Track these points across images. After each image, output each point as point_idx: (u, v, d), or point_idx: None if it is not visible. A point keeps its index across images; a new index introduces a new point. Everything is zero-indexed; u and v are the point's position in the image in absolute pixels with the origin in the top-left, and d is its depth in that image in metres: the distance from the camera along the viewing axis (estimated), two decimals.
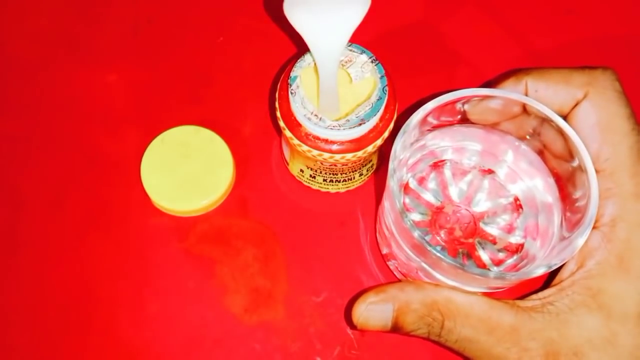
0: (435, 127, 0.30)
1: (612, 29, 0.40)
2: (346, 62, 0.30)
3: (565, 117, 0.29)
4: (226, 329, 0.32)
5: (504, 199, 0.32)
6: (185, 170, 0.34)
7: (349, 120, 0.28)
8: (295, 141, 0.30)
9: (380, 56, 0.30)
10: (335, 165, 0.31)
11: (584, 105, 0.28)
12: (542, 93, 0.29)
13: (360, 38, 0.29)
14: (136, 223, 0.35)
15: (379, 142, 0.30)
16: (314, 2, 0.27)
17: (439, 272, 0.27)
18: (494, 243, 0.31)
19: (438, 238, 0.31)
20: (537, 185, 0.30)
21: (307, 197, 0.35)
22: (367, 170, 0.34)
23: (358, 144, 0.29)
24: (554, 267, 0.25)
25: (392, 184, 0.26)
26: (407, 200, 0.32)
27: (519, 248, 0.30)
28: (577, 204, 0.27)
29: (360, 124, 0.28)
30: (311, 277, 0.34)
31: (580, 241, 0.25)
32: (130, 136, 0.37)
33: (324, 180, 0.33)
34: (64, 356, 0.32)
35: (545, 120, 0.28)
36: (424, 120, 0.28)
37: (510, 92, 0.28)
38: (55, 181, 0.36)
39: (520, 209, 0.31)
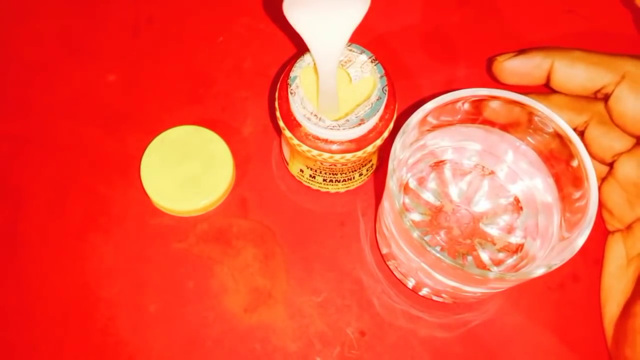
0: (435, 127, 0.30)
1: (613, 29, 0.40)
2: (346, 62, 0.30)
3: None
4: (226, 329, 0.32)
5: (503, 199, 0.32)
6: (185, 170, 0.34)
7: (348, 120, 0.28)
8: (295, 141, 0.30)
9: (380, 56, 0.30)
10: (335, 165, 0.31)
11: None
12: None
13: (360, 38, 0.29)
14: (136, 223, 0.35)
15: (378, 142, 0.30)
16: (313, 2, 0.27)
17: (438, 272, 0.27)
18: (494, 243, 0.31)
19: (438, 238, 0.31)
20: (537, 185, 0.30)
21: (307, 197, 0.35)
22: (367, 170, 0.34)
23: (358, 144, 0.29)
24: (554, 267, 0.25)
25: (392, 184, 0.26)
26: (406, 200, 0.32)
27: (518, 248, 0.30)
28: (577, 204, 0.27)
29: (360, 124, 0.28)
30: (311, 277, 0.34)
31: (580, 241, 0.25)
32: (130, 136, 0.37)
33: (324, 180, 0.33)
34: (64, 356, 0.32)
35: (545, 120, 0.28)
36: (423, 120, 0.28)
37: (510, 93, 0.28)
38: (55, 181, 0.36)
39: (520, 209, 0.31)
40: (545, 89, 0.34)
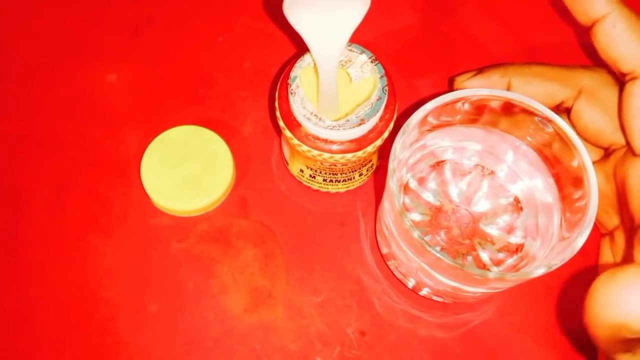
0: (435, 127, 0.30)
1: None
2: (346, 62, 0.30)
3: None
4: (226, 329, 0.32)
5: (503, 199, 0.32)
6: (185, 170, 0.34)
7: (348, 120, 0.28)
8: (295, 141, 0.30)
9: (380, 56, 0.30)
10: (335, 165, 0.31)
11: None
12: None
13: (360, 38, 0.29)
14: (136, 223, 0.35)
15: (378, 142, 0.30)
16: (313, 2, 0.27)
17: (438, 272, 0.27)
18: (494, 243, 0.31)
19: (438, 238, 0.31)
20: (537, 185, 0.30)
21: (307, 197, 0.35)
22: (367, 170, 0.34)
23: (358, 144, 0.29)
24: (554, 267, 0.25)
25: (392, 184, 0.26)
26: (406, 201, 0.32)
27: (518, 248, 0.30)
28: (577, 204, 0.27)
29: (360, 124, 0.28)
30: (311, 277, 0.34)
31: (580, 241, 0.25)
32: (130, 136, 0.37)
33: (324, 180, 0.33)
34: (64, 356, 0.32)
35: (545, 120, 0.28)
36: (423, 120, 0.28)
37: (510, 93, 0.28)
38: (55, 181, 0.36)
39: (520, 209, 0.31)
40: None
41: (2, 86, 0.38)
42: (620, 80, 0.30)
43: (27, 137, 0.37)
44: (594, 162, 0.31)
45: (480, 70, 0.33)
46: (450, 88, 0.35)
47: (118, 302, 0.33)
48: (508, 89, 0.32)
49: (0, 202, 0.35)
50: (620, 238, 0.31)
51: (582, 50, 0.39)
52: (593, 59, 0.36)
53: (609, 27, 0.28)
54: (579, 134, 0.31)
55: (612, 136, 0.30)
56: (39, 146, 0.37)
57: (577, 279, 0.33)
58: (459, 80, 0.34)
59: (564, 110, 0.32)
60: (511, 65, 0.33)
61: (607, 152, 0.31)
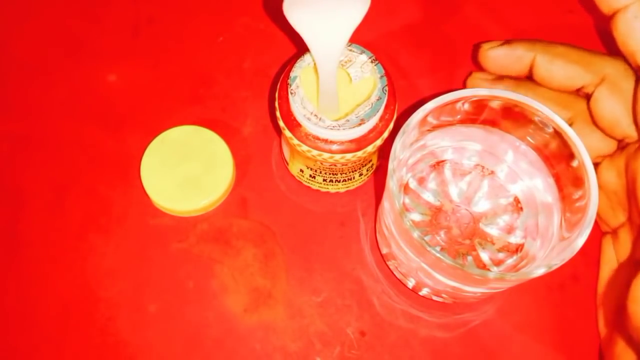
0: (435, 127, 0.30)
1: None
2: (346, 62, 0.30)
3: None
4: (226, 329, 0.32)
5: (503, 199, 0.32)
6: (185, 170, 0.34)
7: (348, 120, 0.28)
8: (295, 141, 0.30)
9: (380, 56, 0.30)
10: (335, 165, 0.31)
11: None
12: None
13: (360, 38, 0.29)
14: (136, 223, 0.35)
15: (378, 142, 0.30)
16: (313, 2, 0.27)
17: (438, 272, 0.27)
18: (494, 243, 0.31)
19: (438, 238, 0.31)
20: (537, 185, 0.30)
21: (307, 197, 0.35)
22: (367, 170, 0.34)
23: (358, 144, 0.29)
24: (554, 268, 0.25)
25: (392, 184, 0.26)
26: (406, 201, 0.32)
27: (518, 248, 0.30)
28: (577, 204, 0.27)
29: (360, 124, 0.28)
30: (311, 277, 0.34)
31: (580, 241, 0.25)
32: (130, 136, 0.37)
33: (324, 180, 0.33)
34: (64, 356, 0.32)
35: (545, 120, 0.28)
36: (423, 120, 0.28)
37: (510, 93, 0.28)
38: (55, 181, 0.36)
39: (520, 209, 0.31)
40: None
41: (2, 86, 0.38)
42: (637, 73, 0.29)
43: (27, 137, 0.37)
44: (606, 157, 0.31)
45: (507, 41, 0.33)
46: (475, 55, 0.35)
47: (118, 302, 0.33)
48: (532, 65, 0.32)
49: (0, 202, 0.35)
50: (625, 236, 0.31)
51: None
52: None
53: (631, 18, 0.28)
54: (595, 122, 0.31)
55: (628, 128, 0.30)
56: (39, 146, 0.37)
57: (577, 279, 0.33)
58: (484, 48, 0.34)
59: (583, 95, 0.32)
60: (538, 42, 0.32)
61: (620, 145, 0.31)
